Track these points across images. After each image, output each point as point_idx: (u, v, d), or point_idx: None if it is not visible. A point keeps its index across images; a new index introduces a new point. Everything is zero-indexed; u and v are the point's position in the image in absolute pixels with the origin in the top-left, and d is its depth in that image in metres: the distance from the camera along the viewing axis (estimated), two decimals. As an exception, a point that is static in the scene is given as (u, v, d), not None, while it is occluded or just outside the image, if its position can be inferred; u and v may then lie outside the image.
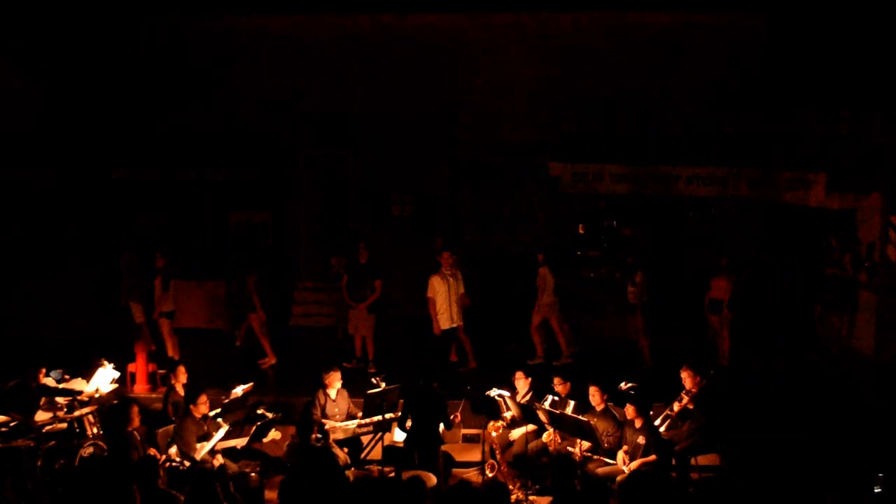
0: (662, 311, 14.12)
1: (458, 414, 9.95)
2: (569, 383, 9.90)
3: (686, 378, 9.79)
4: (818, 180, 12.95)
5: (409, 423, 9.40)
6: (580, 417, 9.07)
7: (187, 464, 8.84)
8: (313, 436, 9.07)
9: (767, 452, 9.66)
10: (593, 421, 9.14)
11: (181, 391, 10.07)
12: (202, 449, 8.95)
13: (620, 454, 8.99)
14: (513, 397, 10.04)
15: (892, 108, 13.09)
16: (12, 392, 10.08)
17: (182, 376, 10.27)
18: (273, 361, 13.01)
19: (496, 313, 14.58)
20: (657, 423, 9.42)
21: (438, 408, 9.40)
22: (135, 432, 8.81)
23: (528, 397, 10.11)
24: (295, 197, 15.84)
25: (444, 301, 11.95)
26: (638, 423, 9.09)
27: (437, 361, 11.89)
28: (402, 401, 9.70)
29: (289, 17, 15.32)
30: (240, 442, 9.41)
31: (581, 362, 12.63)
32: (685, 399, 9.59)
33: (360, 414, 10.09)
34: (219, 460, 8.96)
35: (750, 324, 13.56)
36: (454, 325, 12.09)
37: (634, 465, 8.89)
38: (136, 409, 8.90)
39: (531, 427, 9.81)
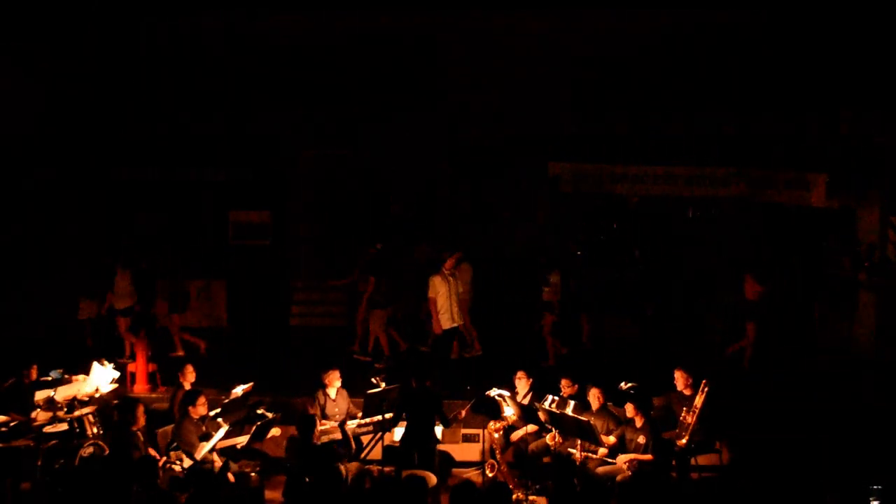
0: (662, 311, 14.21)
1: (464, 411, 9.94)
2: (577, 386, 9.90)
3: (679, 378, 9.81)
4: (818, 180, 12.94)
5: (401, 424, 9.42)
6: (580, 417, 9.07)
7: (187, 464, 8.85)
8: (315, 433, 9.08)
9: (767, 452, 9.67)
10: (592, 420, 9.15)
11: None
12: (202, 448, 8.95)
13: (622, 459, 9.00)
14: (513, 397, 10.04)
15: (892, 108, 13.09)
16: (9, 392, 10.09)
17: (190, 375, 10.26)
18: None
19: (495, 312, 14.63)
20: (685, 439, 9.41)
21: (433, 407, 9.41)
22: (138, 432, 8.81)
23: (528, 397, 10.12)
24: (295, 197, 15.82)
25: (446, 300, 11.91)
26: (639, 423, 9.10)
27: (438, 360, 11.92)
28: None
29: (288, 18, 15.30)
30: (240, 440, 9.42)
31: (580, 362, 12.62)
32: (697, 407, 9.56)
33: (359, 414, 10.10)
34: (218, 460, 8.97)
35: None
36: (455, 325, 12.11)
37: (629, 456, 8.89)
38: (141, 409, 8.92)
39: (531, 427, 9.81)
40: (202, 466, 8.80)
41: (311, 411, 10.02)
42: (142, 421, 8.88)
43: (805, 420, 10.33)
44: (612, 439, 9.26)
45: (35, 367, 10.42)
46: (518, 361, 11.36)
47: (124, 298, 12.77)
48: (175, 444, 9.06)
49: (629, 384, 9.67)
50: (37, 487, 8.94)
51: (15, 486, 8.89)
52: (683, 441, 9.37)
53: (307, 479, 7.07)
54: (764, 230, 14.69)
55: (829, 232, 13.53)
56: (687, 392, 9.70)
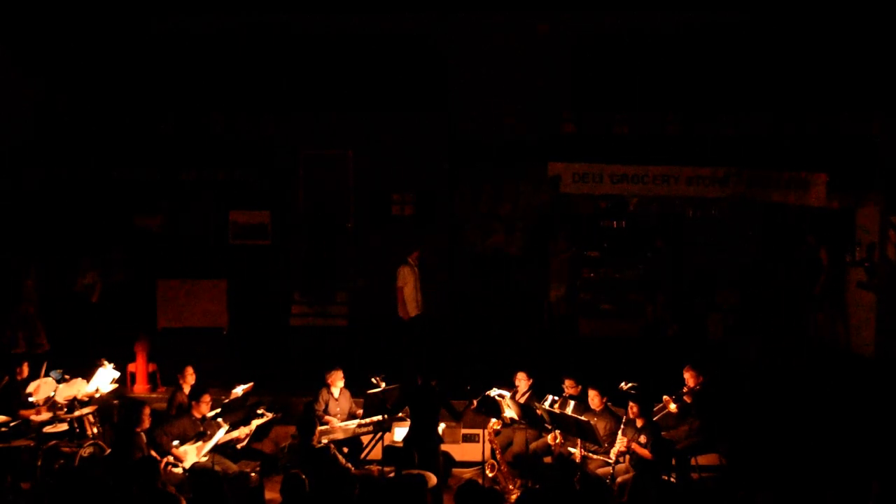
0: (663, 311, 14.22)
1: (476, 401, 9.94)
2: (580, 387, 9.90)
3: (689, 378, 9.84)
4: (818, 180, 12.94)
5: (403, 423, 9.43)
6: (580, 417, 9.07)
7: (187, 465, 8.84)
8: (314, 437, 9.07)
9: (767, 452, 9.66)
10: (593, 421, 9.15)
11: (187, 392, 10.05)
12: (203, 448, 8.95)
13: (614, 451, 8.99)
14: (513, 397, 10.04)
15: (892, 108, 13.09)
16: (4, 391, 10.09)
17: (190, 377, 10.25)
18: None
19: (493, 312, 14.66)
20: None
21: (436, 406, 9.40)
22: (142, 434, 8.80)
23: (526, 397, 10.12)
24: (295, 197, 15.82)
25: (412, 290, 12.85)
26: (639, 423, 9.10)
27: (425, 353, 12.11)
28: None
29: (287, 18, 15.32)
30: (242, 432, 9.44)
31: (581, 363, 12.63)
32: (687, 400, 9.61)
33: (360, 413, 10.12)
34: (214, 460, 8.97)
35: (750, 324, 13.56)
36: (420, 312, 12.92)
37: (625, 447, 8.88)
38: (147, 411, 8.88)
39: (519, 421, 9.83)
40: (202, 466, 8.81)
41: (317, 408, 10.07)
42: (147, 423, 8.86)
43: (805, 420, 10.33)
44: (621, 448, 9.18)
45: (26, 364, 10.42)
46: (518, 361, 11.41)
47: None
48: (177, 441, 9.05)
49: (629, 384, 9.65)
50: (37, 487, 8.93)
51: (15, 485, 8.87)
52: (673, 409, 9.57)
53: (306, 481, 7.05)
54: (764, 230, 14.71)
55: (829, 232, 13.50)
56: (697, 389, 9.77)
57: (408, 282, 12.86)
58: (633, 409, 9.11)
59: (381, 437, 9.66)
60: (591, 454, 9.29)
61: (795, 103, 14.22)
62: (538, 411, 9.45)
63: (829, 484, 8.63)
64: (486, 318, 14.59)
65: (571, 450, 9.30)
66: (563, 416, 9.21)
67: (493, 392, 10.05)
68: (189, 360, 10.50)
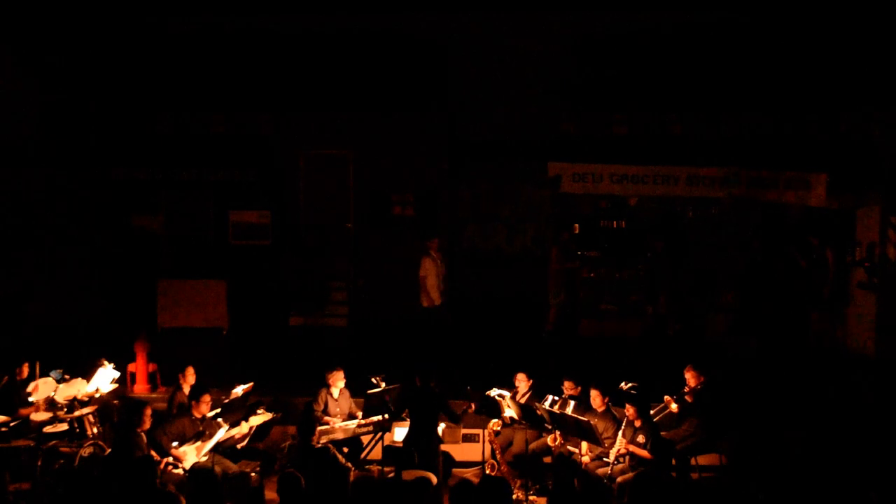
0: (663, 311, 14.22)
1: (473, 405, 9.96)
2: (580, 388, 9.90)
3: (690, 378, 9.85)
4: (818, 180, 12.94)
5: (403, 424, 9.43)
6: (580, 417, 9.07)
7: (187, 465, 8.84)
8: (314, 437, 9.07)
9: (768, 452, 9.67)
10: (594, 421, 9.15)
11: (187, 392, 10.05)
12: (203, 448, 8.96)
13: (613, 452, 9.01)
14: (513, 397, 10.05)
15: (892, 108, 13.09)
16: (3, 391, 10.10)
17: (190, 377, 10.25)
18: None
19: (493, 312, 14.65)
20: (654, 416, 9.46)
21: (436, 406, 9.41)
22: (143, 434, 8.80)
23: (527, 397, 10.12)
24: (295, 197, 15.81)
25: (434, 279, 12.97)
26: (638, 423, 9.11)
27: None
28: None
29: (288, 18, 15.31)
30: (241, 431, 9.45)
31: (582, 363, 12.63)
32: (687, 399, 9.63)
33: (360, 414, 10.12)
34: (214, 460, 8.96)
35: (750, 324, 13.56)
36: (443, 301, 13.10)
37: (624, 448, 8.86)
38: (149, 412, 8.89)
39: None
40: (202, 466, 8.81)
41: (316, 408, 10.07)
42: (148, 423, 8.86)
43: (805, 420, 10.33)
44: (620, 448, 9.19)
45: (26, 364, 10.43)
46: (518, 361, 11.42)
47: None
48: (177, 441, 9.05)
49: (629, 384, 9.66)
50: (37, 487, 8.93)
51: (3, 483, 8.85)
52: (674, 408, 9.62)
53: (303, 481, 7.05)
54: (764, 230, 14.70)
55: (829, 232, 13.51)
56: (698, 389, 9.80)
57: (429, 272, 12.96)
58: (629, 410, 9.12)
59: (381, 437, 9.65)
60: (594, 455, 9.30)
61: (795, 103, 14.21)
62: (538, 411, 9.46)
63: (829, 484, 8.64)
64: (486, 318, 14.57)
65: (573, 449, 9.31)
66: (564, 416, 9.22)
67: (493, 392, 10.06)
68: (189, 360, 10.50)
